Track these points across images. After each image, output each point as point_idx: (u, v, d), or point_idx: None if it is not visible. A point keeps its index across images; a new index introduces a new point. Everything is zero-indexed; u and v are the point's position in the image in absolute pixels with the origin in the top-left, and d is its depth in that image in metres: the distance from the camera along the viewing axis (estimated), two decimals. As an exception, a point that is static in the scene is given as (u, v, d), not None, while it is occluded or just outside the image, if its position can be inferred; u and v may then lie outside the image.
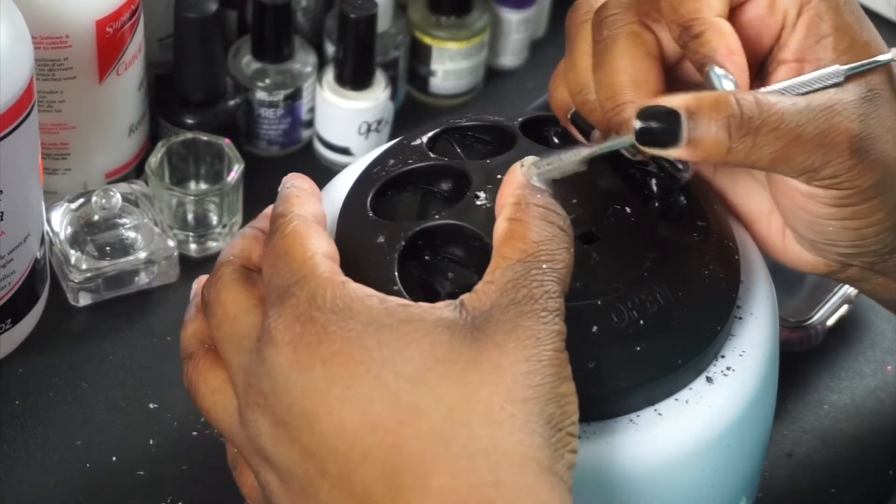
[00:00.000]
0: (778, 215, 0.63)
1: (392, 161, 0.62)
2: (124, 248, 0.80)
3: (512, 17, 0.95)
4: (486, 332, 0.52)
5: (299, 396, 0.52)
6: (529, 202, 0.55)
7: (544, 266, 0.53)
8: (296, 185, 0.59)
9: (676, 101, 0.56)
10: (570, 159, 0.57)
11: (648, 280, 0.59)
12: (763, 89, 0.58)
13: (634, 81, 0.59)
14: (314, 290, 0.53)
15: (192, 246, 0.83)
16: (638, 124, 0.57)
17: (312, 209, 0.57)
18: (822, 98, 0.57)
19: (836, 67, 0.58)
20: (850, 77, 0.58)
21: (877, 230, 0.60)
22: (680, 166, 0.60)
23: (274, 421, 0.53)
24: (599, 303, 0.57)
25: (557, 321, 0.53)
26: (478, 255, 0.58)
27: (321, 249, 0.55)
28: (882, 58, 0.59)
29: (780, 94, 0.57)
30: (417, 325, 0.52)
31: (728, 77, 0.58)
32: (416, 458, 0.51)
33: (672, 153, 0.57)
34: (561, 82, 0.63)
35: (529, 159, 0.56)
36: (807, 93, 0.58)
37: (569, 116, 0.63)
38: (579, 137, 0.63)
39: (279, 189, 0.58)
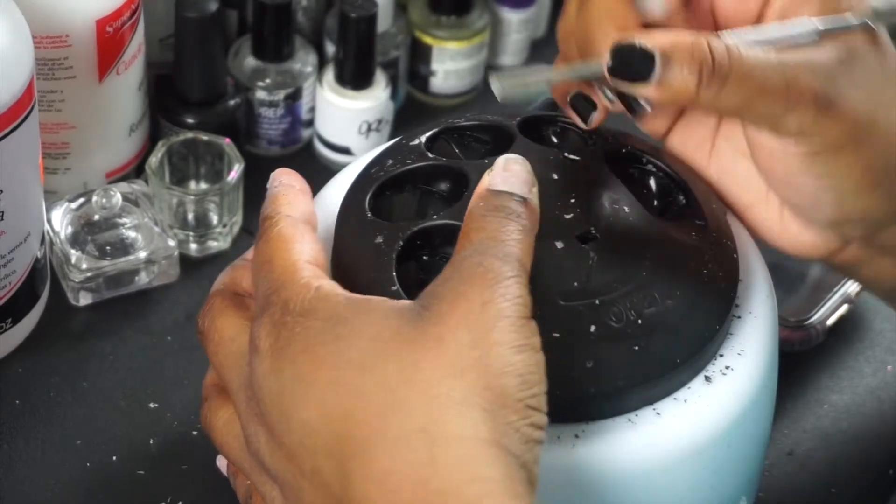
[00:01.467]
0: (774, 197, 0.63)
1: (390, 161, 0.62)
2: (124, 248, 0.80)
3: (512, 17, 0.95)
4: (431, 308, 0.52)
5: (277, 399, 0.53)
6: (479, 210, 0.55)
7: (492, 242, 0.53)
8: (283, 182, 0.59)
9: (653, 41, 0.57)
10: (538, 76, 0.59)
11: (647, 279, 0.59)
12: (734, 31, 0.59)
13: (611, 16, 0.60)
14: (288, 297, 0.54)
15: (193, 245, 0.83)
16: (609, 59, 0.58)
17: (300, 208, 0.58)
18: (795, 55, 0.58)
19: (805, 19, 0.59)
20: (827, 36, 0.59)
21: (856, 188, 0.60)
22: (641, 104, 0.60)
23: (266, 429, 0.54)
24: (597, 302, 0.57)
25: (510, 285, 0.52)
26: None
27: (304, 255, 0.56)
28: (853, 21, 0.59)
29: (754, 44, 0.58)
30: (371, 315, 0.53)
31: None
32: (362, 444, 0.51)
33: (640, 90, 0.58)
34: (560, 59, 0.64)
35: (502, 157, 0.57)
36: (782, 48, 0.58)
37: (568, 100, 0.63)
38: (578, 121, 0.63)
39: (267, 186, 0.59)
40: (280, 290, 0.54)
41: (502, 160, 0.57)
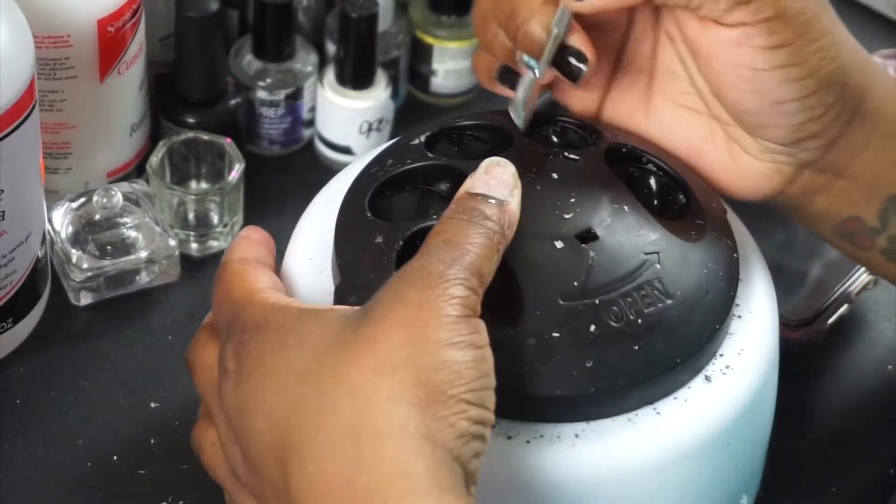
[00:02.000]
0: (721, 134, 0.64)
1: (390, 161, 0.62)
2: (125, 248, 0.80)
3: (513, 17, 0.95)
4: (370, 311, 0.53)
5: (239, 414, 0.54)
6: (459, 204, 0.56)
7: (444, 244, 0.54)
8: (242, 235, 0.61)
9: None
10: (527, 83, 0.62)
11: (646, 279, 0.59)
12: None
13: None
14: (247, 317, 0.55)
15: (194, 245, 0.83)
16: None
17: (253, 253, 0.60)
18: None
19: None
20: None
21: (816, 81, 0.60)
22: (577, 65, 0.61)
23: (239, 446, 0.55)
24: (597, 302, 0.58)
25: (450, 287, 0.52)
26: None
27: (261, 282, 0.57)
28: None
29: None
30: (316, 323, 0.53)
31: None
32: (298, 447, 0.51)
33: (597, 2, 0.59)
34: (479, 52, 0.65)
35: (485, 161, 0.59)
36: None
37: (495, 76, 0.65)
38: (508, 93, 0.65)
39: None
40: (240, 313, 0.56)
41: (486, 163, 0.58)
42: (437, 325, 0.52)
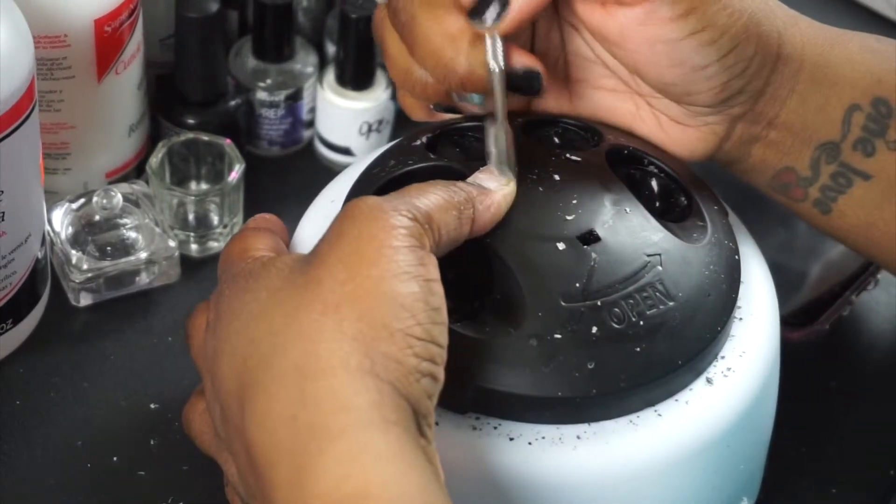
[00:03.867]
0: (646, 108, 0.64)
1: (392, 162, 0.62)
2: (125, 248, 0.80)
3: (513, 17, 0.95)
4: (317, 256, 0.53)
5: (212, 364, 0.54)
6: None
7: (394, 196, 0.54)
8: (256, 216, 0.62)
9: None
10: (497, 144, 0.60)
11: (648, 281, 0.59)
12: None
13: (450, 37, 0.60)
14: (229, 271, 0.56)
15: (193, 246, 0.83)
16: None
17: (261, 223, 0.60)
18: None
19: None
20: None
21: (731, 38, 0.60)
22: (532, 80, 0.62)
23: (217, 400, 0.55)
24: (599, 303, 0.57)
25: (393, 220, 0.52)
26: (476, 255, 0.58)
27: (258, 244, 0.58)
28: None
29: None
30: (273, 268, 0.54)
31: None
32: (250, 388, 0.52)
33: (514, 8, 0.59)
34: (403, 92, 0.65)
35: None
36: None
37: (432, 108, 0.65)
38: (451, 117, 0.65)
39: None
40: (228, 270, 0.57)
41: (473, 176, 0.59)
42: (379, 257, 0.51)
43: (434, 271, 0.52)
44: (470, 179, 0.59)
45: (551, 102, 0.67)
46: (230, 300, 0.55)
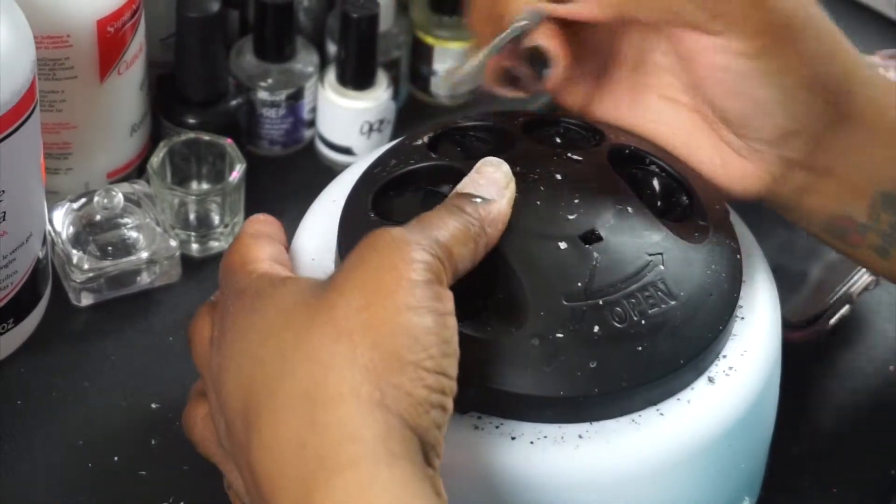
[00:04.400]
0: (707, 129, 0.64)
1: (394, 161, 0.62)
2: (126, 248, 0.80)
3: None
4: (334, 281, 0.53)
5: (217, 380, 0.54)
6: (446, 201, 0.57)
7: (415, 223, 0.54)
8: (250, 218, 0.61)
9: None
10: (472, 64, 0.61)
11: (650, 280, 0.59)
12: None
13: None
14: (233, 284, 0.56)
15: (194, 246, 0.83)
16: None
17: (265, 229, 0.60)
18: None
19: None
20: None
21: (797, 80, 0.60)
22: (545, 68, 0.62)
23: (222, 413, 0.55)
24: (601, 303, 0.58)
25: (413, 253, 0.52)
26: (479, 256, 0.58)
27: (262, 254, 0.58)
28: None
29: None
30: (286, 288, 0.54)
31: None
32: (257, 410, 0.52)
33: (571, 8, 0.60)
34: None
35: (478, 163, 0.59)
36: None
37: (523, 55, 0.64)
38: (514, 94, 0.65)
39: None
40: (229, 282, 0.57)
41: (479, 164, 0.58)
42: (398, 289, 0.51)
43: (449, 305, 0.52)
44: (469, 180, 0.58)
45: (617, 113, 0.66)
46: (235, 317, 0.54)
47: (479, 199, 0.57)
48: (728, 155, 0.64)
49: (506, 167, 0.58)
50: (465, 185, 0.58)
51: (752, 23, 0.59)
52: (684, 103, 0.64)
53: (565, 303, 0.57)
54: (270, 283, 0.55)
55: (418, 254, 0.52)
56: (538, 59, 0.62)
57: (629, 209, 0.61)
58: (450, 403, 0.52)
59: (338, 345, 0.51)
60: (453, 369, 0.52)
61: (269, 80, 0.87)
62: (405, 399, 0.50)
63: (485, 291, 0.59)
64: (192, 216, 0.83)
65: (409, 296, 0.51)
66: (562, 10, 0.61)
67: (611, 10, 0.61)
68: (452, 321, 0.52)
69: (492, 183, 0.58)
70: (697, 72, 0.62)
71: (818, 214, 0.65)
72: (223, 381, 0.54)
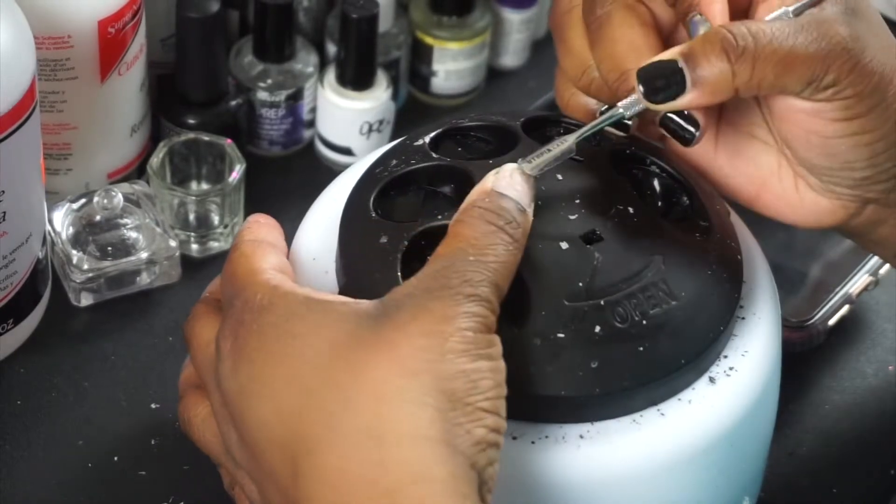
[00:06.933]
0: (787, 168, 0.63)
1: (395, 161, 0.62)
2: (126, 249, 0.80)
3: (513, 17, 0.95)
4: (391, 316, 0.53)
5: (237, 399, 0.54)
6: (476, 205, 0.56)
7: (471, 258, 0.54)
8: (250, 219, 0.61)
9: (669, 52, 0.59)
10: (561, 148, 0.59)
11: (651, 280, 0.59)
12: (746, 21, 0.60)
13: (635, 48, 0.61)
14: (248, 297, 0.55)
15: (194, 246, 0.83)
16: (641, 87, 0.59)
17: (263, 234, 0.60)
18: (805, 17, 0.59)
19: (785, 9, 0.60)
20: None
21: (887, 143, 0.60)
22: (689, 128, 0.61)
23: (235, 429, 0.55)
24: (602, 303, 0.58)
25: (473, 305, 0.53)
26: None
27: (266, 263, 0.57)
28: None
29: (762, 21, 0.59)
30: (329, 315, 0.53)
31: (705, 23, 0.60)
32: (311, 442, 0.51)
33: (683, 100, 0.59)
34: (567, 86, 0.64)
35: (511, 166, 0.57)
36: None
37: (600, 109, 0.64)
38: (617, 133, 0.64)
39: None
40: (241, 293, 0.56)
41: (509, 168, 0.57)
42: (458, 339, 0.52)
43: (500, 350, 0.53)
44: (502, 182, 0.57)
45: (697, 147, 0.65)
46: (265, 340, 0.54)
47: (519, 206, 0.56)
48: (805, 192, 0.63)
49: (533, 181, 0.58)
50: (500, 184, 0.57)
51: (852, 90, 0.59)
52: (767, 142, 0.64)
53: (566, 303, 0.57)
54: (303, 305, 0.54)
55: (478, 309, 0.53)
56: (683, 127, 0.61)
57: (630, 209, 0.61)
58: (502, 441, 0.53)
59: (404, 382, 0.51)
60: (504, 410, 0.53)
61: (269, 81, 0.87)
62: (467, 438, 0.51)
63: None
64: (191, 216, 0.83)
65: (468, 345, 0.52)
66: (680, 104, 0.59)
67: (724, 95, 0.60)
68: (503, 365, 0.53)
69: (524, 194, 0.57)
70: (789, 130, 0.62)
71: (891, 243, 0.65)
72: (248, 406, 0.53)
